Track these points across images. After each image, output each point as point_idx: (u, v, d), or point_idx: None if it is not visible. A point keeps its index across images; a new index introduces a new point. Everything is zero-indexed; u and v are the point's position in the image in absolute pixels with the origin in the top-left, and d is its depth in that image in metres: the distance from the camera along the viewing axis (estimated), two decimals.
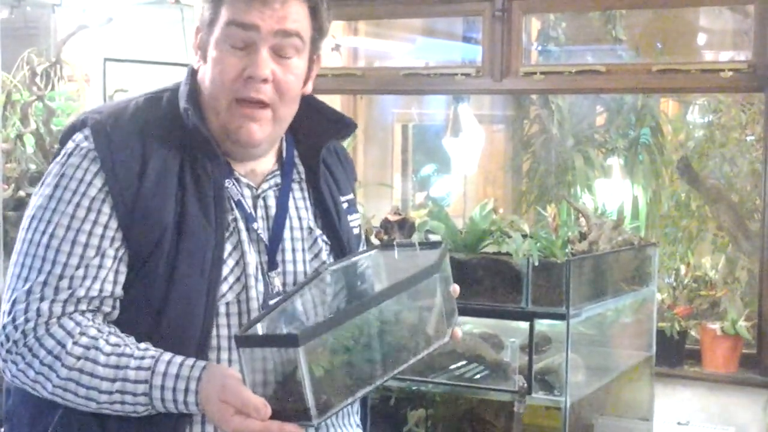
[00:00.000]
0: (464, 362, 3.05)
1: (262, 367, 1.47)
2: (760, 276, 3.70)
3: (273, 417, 1.43)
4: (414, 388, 3.13)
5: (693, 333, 3.94)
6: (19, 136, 3.76)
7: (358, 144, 5.33)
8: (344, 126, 1.84)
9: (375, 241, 3.11)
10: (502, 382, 2.96)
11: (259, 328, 1.52)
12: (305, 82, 1.72)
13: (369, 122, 5.61)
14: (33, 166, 3.73)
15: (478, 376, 3.02)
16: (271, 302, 1.65)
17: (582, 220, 3.36)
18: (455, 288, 1.69)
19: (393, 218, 3.18)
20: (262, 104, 1.64)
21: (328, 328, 1.44)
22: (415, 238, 3.05)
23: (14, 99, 3.82)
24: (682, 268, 4.18)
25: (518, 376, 2.88)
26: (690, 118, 5.59)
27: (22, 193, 3.63)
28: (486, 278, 2.95)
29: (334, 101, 5.04)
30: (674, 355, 3.82)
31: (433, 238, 3.01)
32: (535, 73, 4.00)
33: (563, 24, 5.73)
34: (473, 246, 2.99)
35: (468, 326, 3.15)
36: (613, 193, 5.40)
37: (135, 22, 4.17)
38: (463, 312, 2.94)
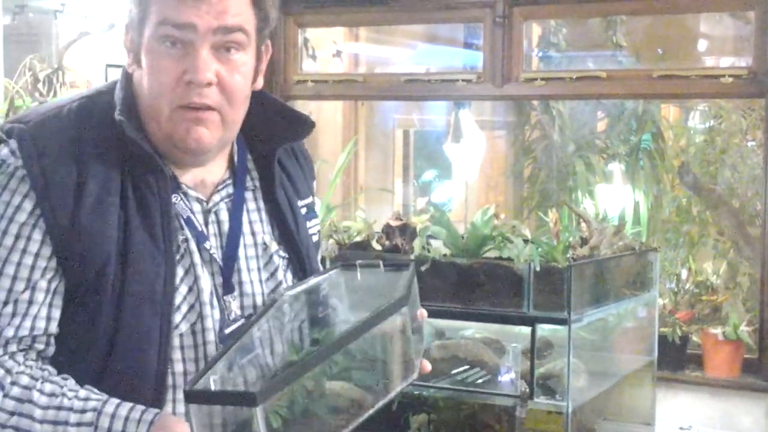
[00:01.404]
0: (466, 367, 3.05)
1: (216, 422, 1.30)
2: (762, 281, 3.70)
3: None
4: (416, 392, 3.13)
5: (694, 338, 3.94)
6: None
7: (359, 150, 5.33)
8: (301, 125, 1.64)
9: (377, 246, 3.12)
10: (504, 387, 2.97)
11: (212, 382, 1.34)
12: (254, 78, 1.54)
13: (370, 128, 5.62)
14: None
15: (480, 381, 3.02)
16: (228, 330, 1.50)
17: (583, 225, 3.36)
18: (422, 312, 1.51)
19: (394, 223, 3.18)
20: (208, 107, 1.46)
21: (287, 383, 1.30)
22: (417, 243, 3.06)
23: (17, 105, 3.82)
24: (684, 273, 4.18)
25: (520, 381, 2.88)
26: (691, 123, 5.60)
27: None
28: (487, 283, 2.95)
29: (336, 107, 5.05)
30: (676, 360, 3.82)
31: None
32: (536, 79, 4.00)
33: (564, 30, 5.74)
34: (475, 251, 3.00)
35: (470, 331, 3.15)
36: (615, 199, 5.40)
37: None
38: (465, 317, 2.98)
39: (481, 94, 4.19)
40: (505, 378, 2.99)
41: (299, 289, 1.58)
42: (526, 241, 2.98)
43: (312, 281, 1.60)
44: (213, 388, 1.34)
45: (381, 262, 1.61)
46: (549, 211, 3.41)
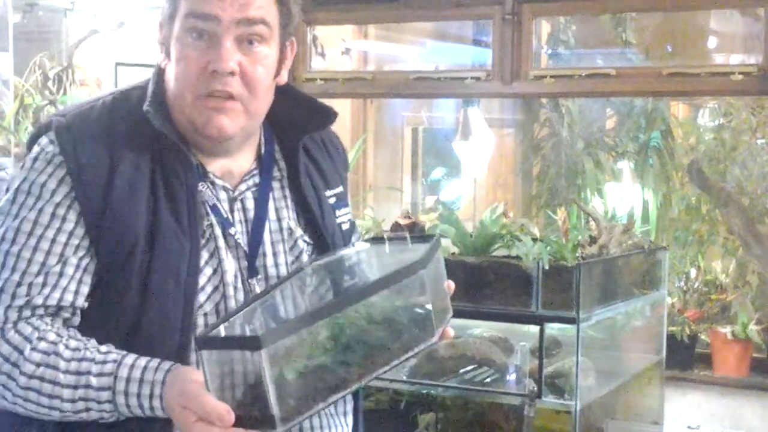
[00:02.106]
0: (474, 366, 3.05)
1: (226, 370, 1.37)
2: None
3: (237, 424, 1.34)
4: (424, 391, 3.13)
5: (703, 337, 3.94)
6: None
7: (368, 147, 5.33)
8: (324, 115, 1.73)
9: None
10: (512, 386, 2.97)
11: (222, 330, 1.43)
12: (278, 72, 1.63)
13: (379, 126, 5.61)
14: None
15: (488, 379, 3.02)
16: (248, 299, 1.57)
17: (592, 223, 3.36)
18: (450, 284, 1.59)
19: (403, 222, 3.18)
20: (230, 96, 1.55)
21: (294, 330, 1.34)
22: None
23: (27, 103, 3.84)
24: (693, 272, 4.18)
25: (528, 380, 2.88)
26: (700, 121, 5.58)
27: None
28: (496, 282, 2.95)
29: (345, 105, 5.05)
30: (685, 359, 3.82)
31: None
32: (545, 77, 4.00)
33: (573, 27, 5.72)
34: (483, 249, 3.00)
35: (478, 330, 3.15)
36: (624, 197, 5.39)
37: (146, 27, 4.19)
38: (473, 316, 2.98)
39: (490, 91, 4.19)
40: (513, 377, 2.99)
41: (326, 260, 1.66)
42: (534, 239, 2.98)
43: (339, 253, 1.68)
44: (222, 335, 1.40)
45: (408, 235, 1.68)
46: (558, 210, 3.41)
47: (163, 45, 1.61)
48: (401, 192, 5.61)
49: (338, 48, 5.07)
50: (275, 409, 1.31)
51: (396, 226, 3.19)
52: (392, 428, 3.14)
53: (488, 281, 2.94)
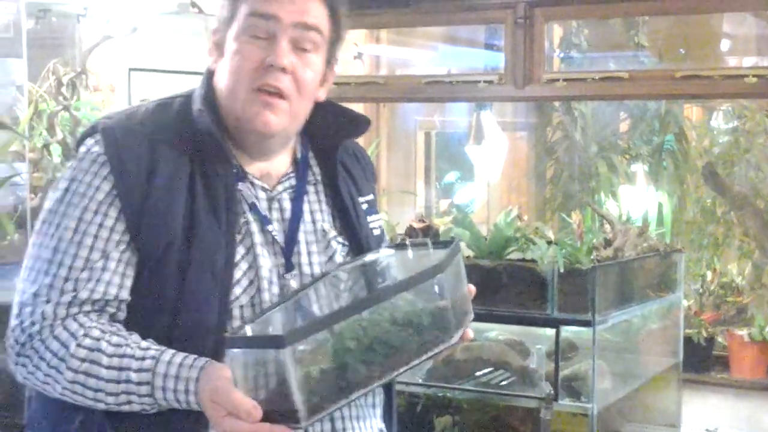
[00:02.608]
0: (490, 369, 3.04)
1: (252, 368, 1.46)
2: None
3: (264, 419, 1.42)
4: (441, 394, 3.12)
5: (720, 339, 3.92)
6: (46, 146, 3.78)
7: (381, 152, 5.33)
8: (358, 123, 1.82)
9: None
10: (528, 389, 2.96)
11: (248, 330, 1.52)
12: (321, 83, 1.73)
13: (392, 130, 5.61)
14: (59, 176, 3.75)
15: (504, 382, 3.01)
16: (274, 301, 1.65)
17: (607, 226, 3.35)
18: (471, 288, 1.66)
19: (417, 225, 3.18)
20: (280, 94, 1.64)
21: (317, 330, 1.41)
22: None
23: (41, 109, 3.84)
24: (709, 275, 4.16)
25: (545, 383, 2.87)
26: (714, 124, 5.56)
27: None
28: (511, 285, 2.94)
29: (357, 109, 5.04)
30: (701, 361, 3.80)
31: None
32: (558, 80, 3.99)
33: (586, 31, 5.71)
34: (498, 253, 2.99)
35: (493, 333, 3.14)
36: (638, 200, 5.37)
37: (159, 32, 4.20)
38: (489, 319, 2.97)
39: (503, 95, 4.18)
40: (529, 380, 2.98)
41: (352, 264, 1.73)
42: (549, 242, 2.97)
43: (364, 258, 1.75)
44: (248, 335, 1.50)
45: (429, 241, 1.77)
46: (572, 213, 3.39)
47: (218, 46, 1.70)
48: (415, 196, 5.61)
49: (351, 53, 5.07)
50: (299, 404, 1.38)
51: (410, 230, 3.19)
52: (409, 431, 3.13)
53: (503, 284, 2.94)
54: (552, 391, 2.84)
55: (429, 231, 3.18)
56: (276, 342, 1.38)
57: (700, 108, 5.85)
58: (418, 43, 5.72)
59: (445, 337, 1.54)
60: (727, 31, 5.58)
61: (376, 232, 1.85)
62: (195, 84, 1.75)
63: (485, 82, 4.12)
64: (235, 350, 1.44)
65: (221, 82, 1.68)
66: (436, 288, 1.53)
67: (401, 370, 1.49)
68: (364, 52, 5.21)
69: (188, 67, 4.08)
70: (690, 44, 5.37)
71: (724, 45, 5.65)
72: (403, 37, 5.54)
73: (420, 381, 3.03)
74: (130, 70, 4.09)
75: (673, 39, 5.46)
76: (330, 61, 1.74)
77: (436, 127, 6.16)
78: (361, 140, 5.76)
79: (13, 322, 1.59)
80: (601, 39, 5.83)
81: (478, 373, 3.04)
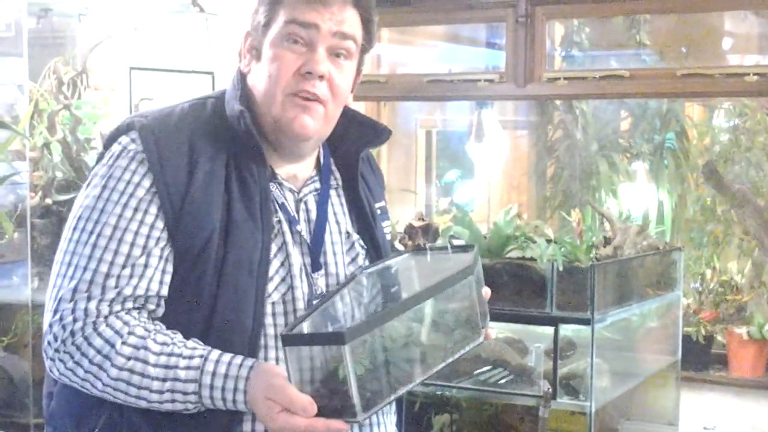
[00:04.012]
0: (489, 367, 3.05)
1: (307, 365, 1.49)
2: None
3: (318, 414, 1.46)
4: (439, 392, 3.13)
5: (719, 338, 3.93)
6: (46, 145, 3.78)
7: (382, 150, 5.33)
8: (379, 133, 1.87)
9: (399, 246, 3.12)
10: (526, 387, 2.96)
11: (305, 327, 1.55)
12: (352, 90, 1.78)
13: (393, 128, 5.59)
14: (60, 175, 3.75)
15: (502, 381, 3.02)
16: (315, 302, 1.69)
17: (607, 224, 3.35)
18: (486, 290, 1.74)
19: (417, 224, 3.19)
20: (317, 100, 1.69)
21: (373, 326, 1.47)
22: (439, 243, 3.06)
23: (41, 108, 3.84)
24: (708, 273, 4.16)
25: (543, 381, 2.88)
26: (715, 122, 5.56)
27: (49, 201, 3.66)
28: (510, 283, 2.95)
29: (359, 108, 5.05)
30: (700, 359, 3.81)
31: (457, 242, 3.01)
32: (559, 79, 4.00)
33: (587, 29, 5.71)
34: (497, 251, 3.00)
35: (492, 331, 3.15)
36: (638, 198, 5.38)
37: (160, 31, 4.20)
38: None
39: (504, 94, 4.19)
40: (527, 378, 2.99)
41: (375, 268, 1.79)
42: (549, 240, 2.98)
43: (387, 262, 1.82)
44: (305, 332, 1.54)
45: (449, 246, 1.87)
46: (572, 211, 3.40)
47: (252, 50, 1.74)
48: (415, 194, 5.61)
49: None
50: (356, 399, 1.43)
51: (410, 228, 3.20)
52: (407, 430, 3.14)
53: (502, 283, 2.94)
54: (550, 390, 2.85)
55: (428, 229, 3.19)
56: (336, 338, 1.43)
57: (701, 106, 5.85)
58: (419, 42, 5.72)
59: (474, 336, 1.64)
60: (728, 30, 5.57)
61: (388, 237, 1.92)
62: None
63: (486, 80, 4.13)
64: (293, 347, 1.48)
65: (258, 86, 1.72)
66: (467, 288, 1.62)
67: (438, 367, 1.57)
68: None
69: (189, 66, 4.09)
70: (691, 43, 5.37)
71: (726, 43, 5.64)
72: (404, 35, 5.55)
73: None
74: (131, 69, 4.09)
75: (674, 37, 5.46)
76: (360, 68, 1.79)
77: (436, 125, 6.16)
78: None
79: (51, 317, 1.60)
80: (602, 37, 5.83)
81: (476, 372, 3.04)
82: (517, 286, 2.95)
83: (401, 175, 5.62)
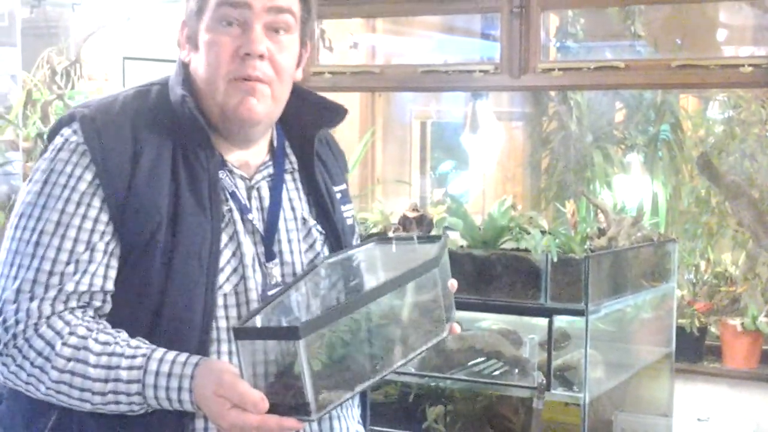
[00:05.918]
0: (483, 358, 3.05)
1: (261, 358, 1.44)
2: None
3: (271, 411, 1.40)
4: (433, 384, 3.13)
5: (713, 329, 3.93)
6: (40, 135, 3.78)
7: (376, 141, 5.33)
8: (335, 113, 1.81)
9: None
10: (521, 379, 2.96)
11: (258, 321, 1.49)
12: (297, 65, 1.72)
13: (387, 120, 5.61)
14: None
15: (497, 372, 3.02)
16: (270, 293, 1.63)
17: (601, 216, 3.35)
18: (453, 283, 1.68)
19: (411, 215, 3.18)
20: (260, 80, 1.63)
21: (328, 321, 1.40)
22: (433, 234, 3.05)
23: (34, 98, 3.84)
24: (702, 264, 4.16)
25: (537, 373, 2.88)
26: (710, 113, 5.56)
27: None
28: (505, 274, 2.95)
29: (353, 99, 5.04)
30: (694, 351, 3.81)
31: (452, 233, 3.01)
32: (554, 70, 3.99)
33: (582, 20, 5.70)
34: (492, 242, 3.00)
35: (487, 323, 3.15)
36: (633, 190, 5.37)
37: (153, 21, 4.19)
38: (482, 308, 2.98)
39: (499, 85, 4.18)
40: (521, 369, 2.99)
41: (337, 258, 1.72)
42: (543, 232, 2.97)
43: (349, 252, 1.75)
44: (259, 326, 1.47)
45: (415, 236, 1.79)
46: (566, 203, 3.40)
47: (189, 39, 1.68)
48: (409, 185, 5.61)
49: (346, 42, 5.06)
50: (310, 396, 1.37)
51: (404, 219, 3.19)
52: (401, 421, 3.14)
53: (497, 274, 2.94)
54: (544, 381, 2.85)
55: (423, 220, 3.18)
56: (290, 333, 1.36)
57: (695, 97, 5.84)
58: (413, 33, 5.71)
59: (438, 331, 1.57)
60: (722, 21, 5.57)
61: (349, 221, 1.85)
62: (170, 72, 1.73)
63: (481, 71, 4.12)
64: (245, 341, 1.41)
65: (200, 75, 1.66)
66: (431, 282, 1.54)
67: (399, 363, 1.50)
68: (360, 41, 5.20)
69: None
70: (686, 34, 5.36)
71: (720, 34, 5.64)
72: (398, 26, 5.54)
73: (412, 371, 3.03)
74: (125, 59, 4.08)
75: (669, 28, 5.45)
76: (304, 40, 1.72)
77: (431, 116, 6.15)
78: (356, 129, 5.78)
79: None
80: (597, 28, 5.82)
81: (470, 363, 3.04)
82: (511, 277, 2.94)
83: (396, 166, 5.62)
